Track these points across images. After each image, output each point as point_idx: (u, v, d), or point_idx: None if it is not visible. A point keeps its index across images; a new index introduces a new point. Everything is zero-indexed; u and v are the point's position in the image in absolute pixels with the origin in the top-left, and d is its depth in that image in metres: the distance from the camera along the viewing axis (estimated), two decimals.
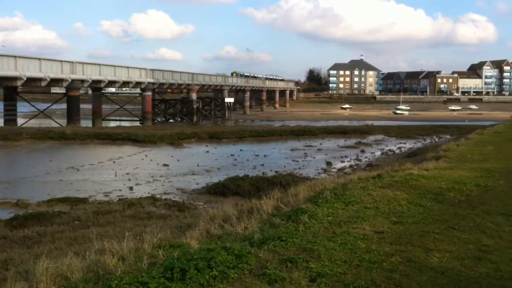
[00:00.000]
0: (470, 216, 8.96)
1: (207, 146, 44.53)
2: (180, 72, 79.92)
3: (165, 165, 32.07)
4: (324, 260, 6.27)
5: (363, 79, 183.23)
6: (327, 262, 6.20)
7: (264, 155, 38.21)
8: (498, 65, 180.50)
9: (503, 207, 9.78)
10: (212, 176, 27.91)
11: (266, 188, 17.58)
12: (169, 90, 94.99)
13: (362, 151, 41.52)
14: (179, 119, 78.20)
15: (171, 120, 78.36)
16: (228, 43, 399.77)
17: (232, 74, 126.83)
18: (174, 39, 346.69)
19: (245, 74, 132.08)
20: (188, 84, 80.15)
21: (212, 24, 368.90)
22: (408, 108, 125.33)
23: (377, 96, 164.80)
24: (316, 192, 11.34)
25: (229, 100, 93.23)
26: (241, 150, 41.58)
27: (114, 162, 33.44)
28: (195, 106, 77.88)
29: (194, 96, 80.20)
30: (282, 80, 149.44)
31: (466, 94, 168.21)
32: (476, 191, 11.53)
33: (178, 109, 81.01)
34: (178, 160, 34.88)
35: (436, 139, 51.95)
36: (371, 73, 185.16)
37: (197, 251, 6.44)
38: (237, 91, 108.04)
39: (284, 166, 32.03)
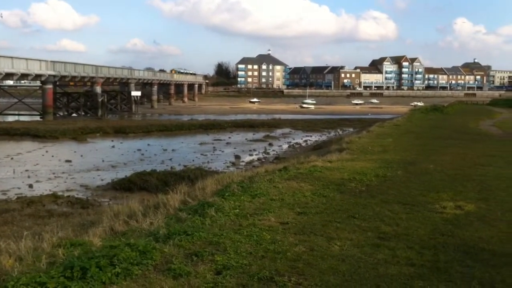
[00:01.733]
0: (370, 205, 9.35)
1: (112, 140, 43.36)
2: (84, 64, 76.96)
3: (67, 161, 30.84)
4: (230, 252, 6.30)
5: (270, 73, 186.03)
6: (233, 254, 6.23)
7: (173, 150, 37.81)
8: (398, 60, 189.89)
9: (400, 196, 10.30)
10: (118, 171, 27.21)
11: (174, 182, 17.35)
12: (71, 83, 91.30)
13: (270, 144, 42.19)
14: (83, 113, 75.43)
15: (74, 114, 75.37)
16: (134, 35, 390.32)
17: (171, 71, 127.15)
18: (77, 30, 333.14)
19: (183, 70, 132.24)
20: (92, 77, 77.35)
21: (117, 15, 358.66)
22: (314, 102, 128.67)
23: (285, 90, 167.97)
24: (223, 185, 11.38)
25: (136, 93, 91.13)
26: (148, 144, 40.91)
27: (12, 158, 31.70)
28: (99, 100, 75.43)
29: (98, 89, 77.52)
30: (191, 73, 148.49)
31: (368, 89, 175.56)
32: (376, 181, 12.07)
33: (81, 102, 78.06)
34: (81, 156, 33.67)
35: (340, 132, 53.83)
36: (278, 67, 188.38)
37: (99, 249, 6.27)
38: (144, 85, 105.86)
39: (193, 160, 31.88)
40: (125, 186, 21.97)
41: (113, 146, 39.66)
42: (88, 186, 23.13)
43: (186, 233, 6.96)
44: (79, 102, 78.42)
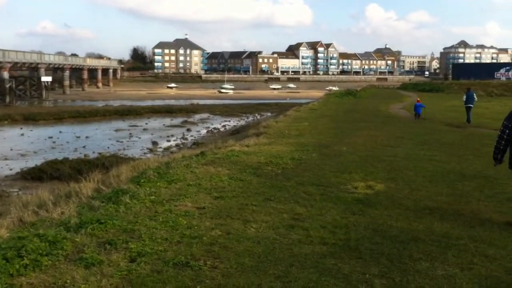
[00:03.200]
0: (286, 188, 9.51)
1: (21, 128, 41.38)
2: None
3: None
4: (145, 239, 6.20)
5: (188, 58, 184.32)
6: (148, 241, 6.14)
7: (86, 137, 36.65)
8: (313, 46, 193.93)
9: (314, 178, 10.55)
10: (28, 160, 26.02)
11: (87, 170, 16.84)
12: None
13: (188, 130, 41.89)
14: None
15: None
16: (44, 17, 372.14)
17: (103, 58, 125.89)
18: None
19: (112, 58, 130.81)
20: None
21: None
22: (233, 87, 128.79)
23: (203, 75, 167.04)
24: (139, 172, 11.18)
25: (47, 79, 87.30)
26: (60, 132, 39.40)
27: None
28: (7, 86, 71.59)
29: (6, 74, 73.51)
30: (107, 58, 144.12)
31: (285, 74, 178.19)
32: (292, 164, 12.29)
33: None
34: None
35: (258, 117, 54.32)
36: (196, 52, 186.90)
37: (6, 240, 6.00)
38: (55, 70, 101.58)
39: (108, 147, 31.07)
40: (35, 175, 21.08)
41: (22, 134, 37.88)
42: None
43: (99, 222, 6.77)
44: None
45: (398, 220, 7.41)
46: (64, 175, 20.31)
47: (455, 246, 6.28)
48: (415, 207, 8.24)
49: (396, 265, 5.60)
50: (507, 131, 7.60)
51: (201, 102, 77.04)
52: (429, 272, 5.40)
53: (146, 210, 7.65)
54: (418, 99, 31.93)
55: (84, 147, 31.26)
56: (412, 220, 7.46)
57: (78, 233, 6.36)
